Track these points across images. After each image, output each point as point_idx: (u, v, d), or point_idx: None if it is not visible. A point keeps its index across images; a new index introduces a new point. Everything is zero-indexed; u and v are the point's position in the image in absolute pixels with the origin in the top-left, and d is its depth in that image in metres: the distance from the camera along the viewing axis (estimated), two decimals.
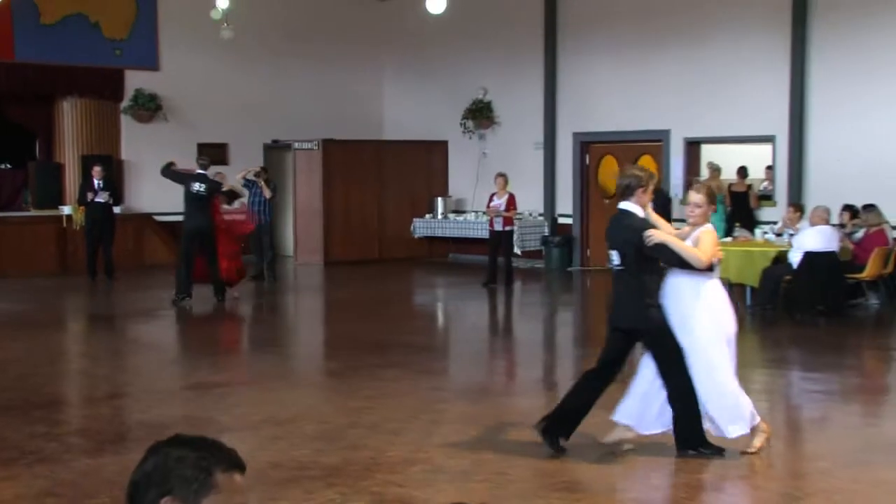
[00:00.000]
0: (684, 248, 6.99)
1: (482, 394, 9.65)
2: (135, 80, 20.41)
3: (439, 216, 21.44)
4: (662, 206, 7.33)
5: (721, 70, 17.51)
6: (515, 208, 17.28)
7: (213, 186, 15.30)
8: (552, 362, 11.89)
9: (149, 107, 20.43)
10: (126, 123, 20.49)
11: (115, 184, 18.78)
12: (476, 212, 20.59)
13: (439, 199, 21.60)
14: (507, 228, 17.22)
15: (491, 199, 17.41)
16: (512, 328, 14.56)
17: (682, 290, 7.04)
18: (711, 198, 7.41)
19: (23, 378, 9.96)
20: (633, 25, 18.69)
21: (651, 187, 7.29)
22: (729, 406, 6.99)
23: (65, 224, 19.08)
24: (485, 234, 18.23)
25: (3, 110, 20.32)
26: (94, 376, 10.55)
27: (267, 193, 17.89)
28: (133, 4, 20.29)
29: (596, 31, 19.23)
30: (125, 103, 20.40)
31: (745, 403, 7.05)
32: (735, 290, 14.83)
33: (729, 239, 15.64)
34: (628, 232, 7.08)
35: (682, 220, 16.26)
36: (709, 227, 7.23)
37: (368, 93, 22.92)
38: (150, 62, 20.51)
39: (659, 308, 7.02)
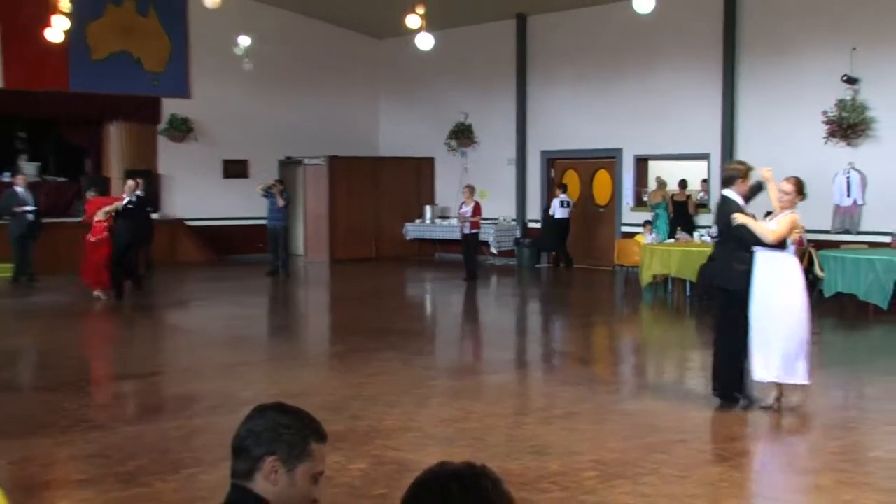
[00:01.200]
0: (757, 227, 7.46)
1: (464, 372, 9.67)
2: (170, 107, 20.35)
3: (427, 221, 21.43)
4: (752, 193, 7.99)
5: (665, 97, 17.55)
6: (480, 214, 17.33)
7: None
8: (522, 345, 11.92)
9: (181, 129, 20.36)
10: (162, 143, 20.42)
11: (151, 194, 18.72)
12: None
13: (427, 206, 21.59)
14: (473, 231, 17.24)
15: (460, 207, 17.50)
16: (488, 316, 14.57)
17: (764, 261, 7.46)
18: (799, 188, 7.68)
19: (76, 358, 9.95)
20: (592, 58, 18.71)
21: (749, 178, 7.85)
22: (800, 354, 7.41)
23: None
24: None
25: (60, 132, 20.29)
26: (135, 357, 10.52)
27: (280, 202, 17.87)
28: (168, 43, 20.21)
29: (560, 63, 19.26)
30: (161, 126, 20.33)
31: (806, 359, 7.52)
32: (676, 283, 14.95)
33: (671, 240, 15.71)
34: (724, 214, 7.67)
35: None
36: (790, 212, 7.55)
37: (367, 116, 22.91)
38: (183, 91, 20.44)
39: (745, 273, 7.48)
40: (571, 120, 19.14)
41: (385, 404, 7.81)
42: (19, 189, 16.71)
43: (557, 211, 18.93)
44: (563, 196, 19.00)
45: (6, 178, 18.74)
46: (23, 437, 6.90)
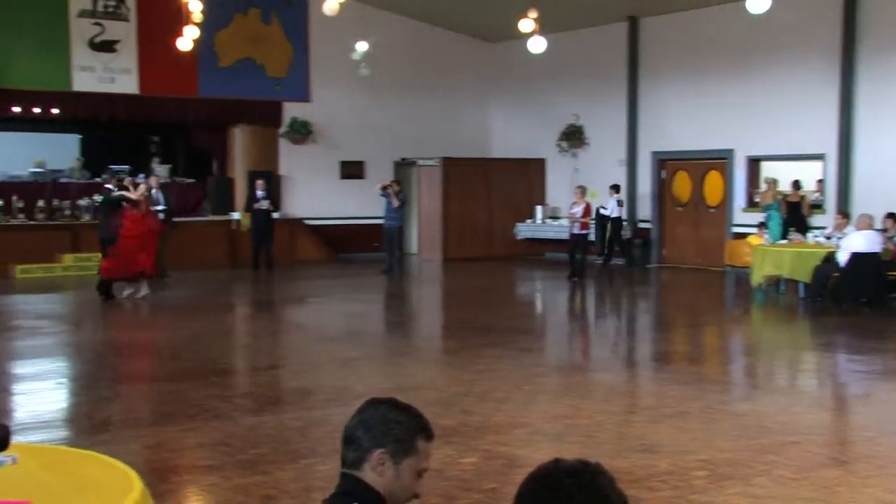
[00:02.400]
0: None
1: (573, 369, 9.57)
2: (291, 110, 20.76)
3: (538, 221, 21.33)
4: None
5: (779, 96, 17.04)
6: (590, 215, 17.15)
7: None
8: (631, 343, 11.73)
9: (302, 132, 20.75)
10: (283, 145, 20.84)
11: (273, 193, 19.16)
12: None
13: (538, 206, 21.49)
14: (583, 232, 17.06)
15: (571, 207, 17.32)
16: (597, 315, 14.39)
17: None
18: None
19: (201, 351, 10.22)
20: (704, 59, 18.32)
21: None
22: None
23: (233, 227, 19.52)
24: None
25: (189, 136, 20.94)
26: (256, 350, 10.77)
27: (395, 203, 18.03)
28: (290, 50, 20.61)
29: (672, 64, 18.91)
30: (283, 129, 20.74)
31: None
32: (789, 284, 14.49)
33: (785, 241, 15.23)
34: None
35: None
36: None
37: (479, 118, 22.92)
38: (304, 95, 20.81)
39: None
40: (682, 121, 18.76)
41: (495, 400, 7.79)
42: (153, 190, 17.29)
43: (615, 210, 18.91)
44: (617, 196, 18.96)
45: (140, 179, 19.42)
46: (153, 424, 7.14)
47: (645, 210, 19.72)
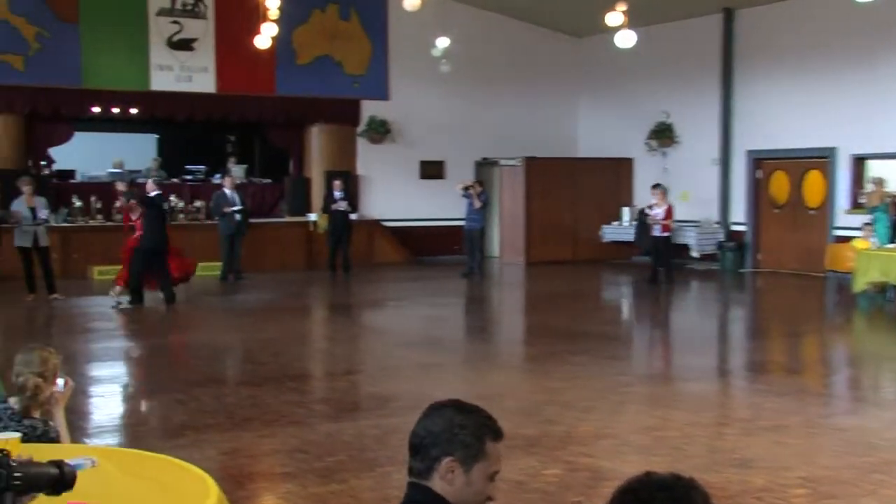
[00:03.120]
0: None
1: (661, 378, 9.45)
2: (369, 109, 20.94)
3: (624, 223, 21.12)
4: None
5: (886, 91, 16.57)
6: (672, 217, 16.90)
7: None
8: (724, 352, 11.53)
9: (380, 130, 20.91)
10: (361, 144, 21.03)
11: (351, 194, 19.35)
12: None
13: (625, 208, 21.27)
14: (665, 234, 16.82)
15: (650, 209, 17.08)
16: (687, 321, 14.18)
17: None
18: None
19: (278, 355, 10.36)
20: (803, 52, 17.91)
21: None
22: None
23: (311, 228, 19.77)
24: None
25: (266, 135, 21.28)
26: (333, 355, 10.88)
27: (477, 204, 18.05)
28: (369, 46, 20.78)
29: (769, 57, 18.54)
30: (361, 128, 20.94)
31: None
32: None
33: (893, 245, 14.79)
34: None
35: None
36: None
37: (564, 116, 22.79)
38: (382, 93, 20.98)
39: None
40: (780, 118, 18.37)
41: (580, 409, 7.73)
42: (228, 191, 17.66)
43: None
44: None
45: (217, 180, 19.86)
46: (230, 429, 7.26)
47: (739, 212, 19.37)
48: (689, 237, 19.21)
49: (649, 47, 18.40)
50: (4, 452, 2.15)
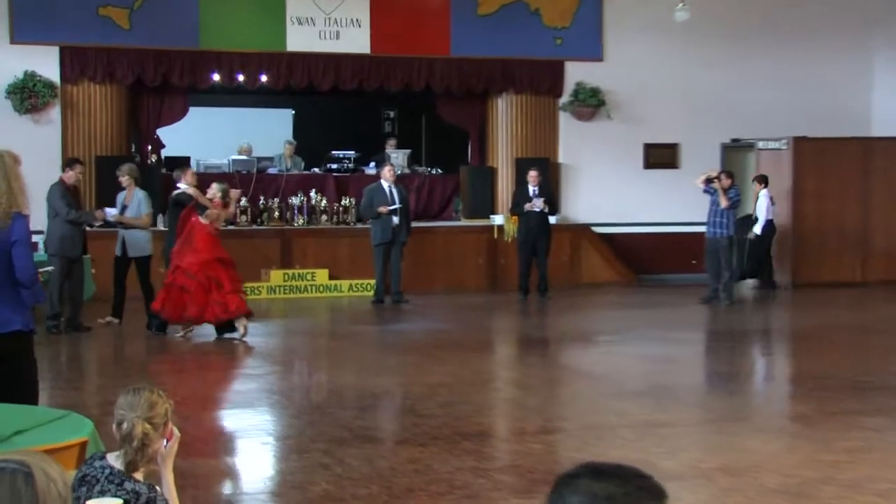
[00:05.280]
0: None
1: None
2: (575, 73, 20.96)
3: None
4: None
5: None
6: None
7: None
8: None
9: (590, 102, 20.88)
10: (564, 122, 21.07)
11: (551, 191, 19.36)
12: None
13: None
14: None
15: None
16: None
17: None
18: None
19: (450, 405, 10.44)
20: None
21: None
22: None
23: (495, 235, 19.91)
24: None
25: (437, 109, 21.56)
26: (524, 407, 10.88)
27: (724, 202, 17.72)
28: None
29: None
30: (564, 99, 20.98)
31: None
32: None
33: None
34: None
35: None
36: None
37: (852, 82, 22.16)
38: (593, 52, 20.95)
39: None
40: None
41: (873, 493, 7.45)
42: (385, 184, 17.91)
43: (770, 212, 18.84)
44: (766, 190, 18.74)
45: (371, 170, 20.25)
46: (386, 503, 7.37)
47: None
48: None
49: None
50: None
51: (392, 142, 21.71)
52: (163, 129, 20.30)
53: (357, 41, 19.83)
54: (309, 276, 18.78)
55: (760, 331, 17.00)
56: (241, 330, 14.13)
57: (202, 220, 14.02)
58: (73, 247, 14.46)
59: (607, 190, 20.98)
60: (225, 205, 14.39)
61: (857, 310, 17.69)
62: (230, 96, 21.74)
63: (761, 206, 19.32)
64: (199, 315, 13.88)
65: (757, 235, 19.32)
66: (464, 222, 20.56)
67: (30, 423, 5.45)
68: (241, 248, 18.81)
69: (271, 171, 20.61)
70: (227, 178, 19.62)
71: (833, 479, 7.81)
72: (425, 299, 17.78)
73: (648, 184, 21.19)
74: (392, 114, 22.67)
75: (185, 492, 6.05)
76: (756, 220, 19.41)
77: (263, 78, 19.86)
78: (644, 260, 20.98)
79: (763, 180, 19.49)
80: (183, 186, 14.90)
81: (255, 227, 19.49)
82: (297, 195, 19.81)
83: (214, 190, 14.42)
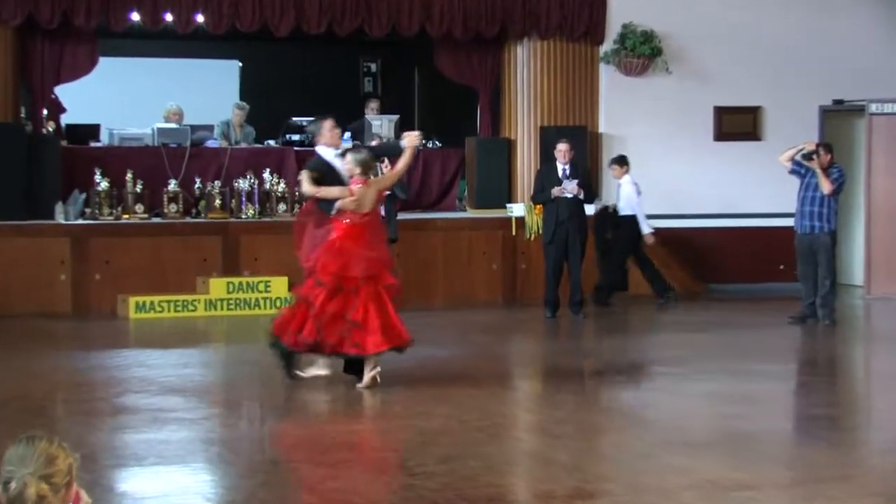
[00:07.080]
0: None
1: None
2: (622, 12, 20.99)
3: None
4: None
5: None
6: None
7: None
8: None
9: (642, 52, 20.88)
10: (608, 77, 21.10)
11: (588, 170, 19.35)
12: None
13: None
14: None
15: None
16: None
17: None
18: None
19: (453, 461, 10.42)
20: None
21: None
22: None
23: (514, 231, 19.89)
24: None
25: (434, 60, 21.36)
26: (553, 463, 10.86)
27: (826, 186, 17.66)
28: None
29: None
30: (607, 47, 20.99)
31: None
32: None
33: None
34: None
35: None
36: None
37: None
38: None
39: None
40: None
41: None
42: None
43: (637, 204, 19.26)
44: (629, 175, 19.31)
45: (347, 141, 20.19)
46: None
47: None
48: None
49: None
50: None
51: (374, 104, 21.61)
52: (63, 86, 20.14)
53: None
54: (262, 287, 18.65)
55: (871, 360, 17.01)
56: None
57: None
58: None
59: (664, 170, 20.97)
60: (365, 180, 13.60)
61: None
62: (154, 42, 21.68)
63: (625, 196, 19.38)
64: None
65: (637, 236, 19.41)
66: (471, 214, 20.55)
67: None
68: (170, 248, 18.80)
69: (210, 144, 20.42)
70: (152, 153, 19.57)
71: None
72: (421, 316, 17.70)
73: (720, 161, 21.23)
74: (374, 67, 22.67)
75: None
76: (616, 212, 19.51)
77: (199, 18, 19.75)
78: (714, 264, 21.03)
79: (622, 162, 19.53)
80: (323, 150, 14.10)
81: (188, 219, 19.35)
82: (245, 177, 19.71)
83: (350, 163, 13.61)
